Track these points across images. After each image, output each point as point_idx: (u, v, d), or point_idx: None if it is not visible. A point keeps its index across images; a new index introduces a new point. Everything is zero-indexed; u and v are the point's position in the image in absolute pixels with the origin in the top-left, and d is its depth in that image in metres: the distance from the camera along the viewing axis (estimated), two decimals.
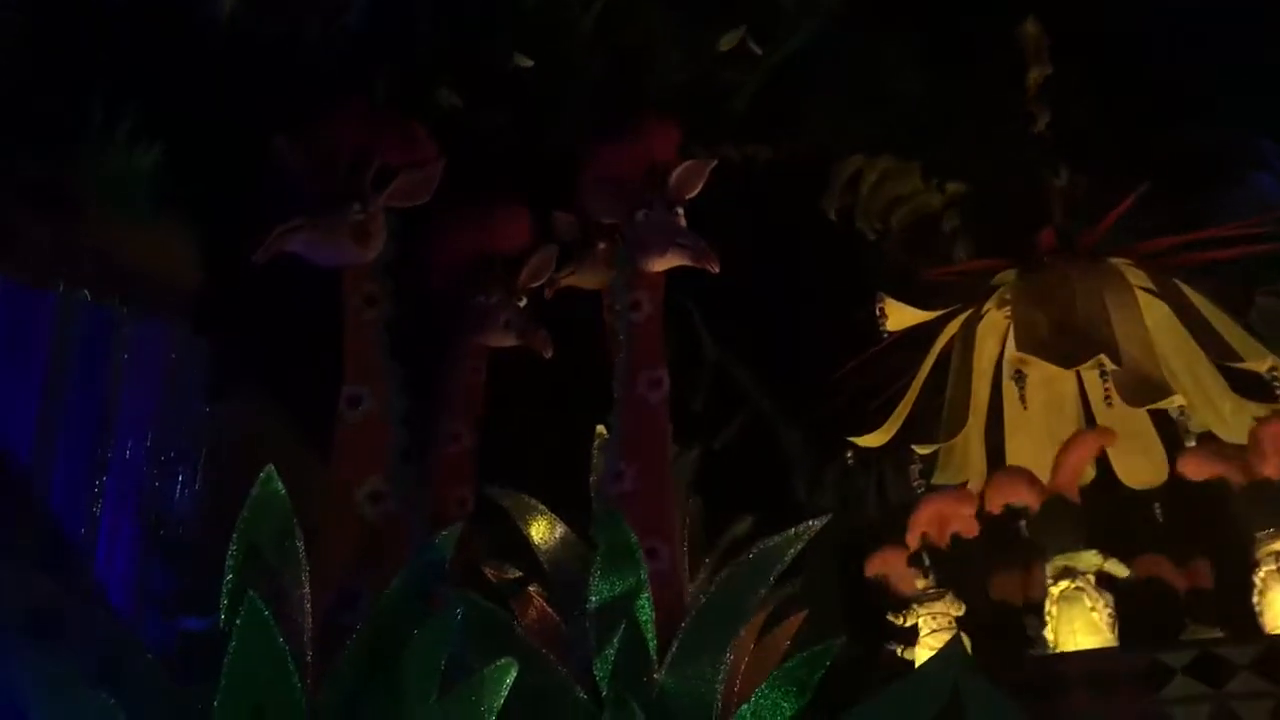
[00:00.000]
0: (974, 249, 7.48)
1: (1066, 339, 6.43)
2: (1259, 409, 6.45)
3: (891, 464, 9.36)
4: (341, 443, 5.21)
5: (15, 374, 6.34)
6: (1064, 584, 5.25)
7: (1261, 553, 5.35)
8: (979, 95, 7.24)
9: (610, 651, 5.12)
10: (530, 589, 5.97)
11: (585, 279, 7.13)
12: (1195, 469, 5.75)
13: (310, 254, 5.39)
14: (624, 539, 5.15)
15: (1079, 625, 5.01)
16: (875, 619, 6.79)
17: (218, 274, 7.42)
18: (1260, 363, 6.55)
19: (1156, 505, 7.04)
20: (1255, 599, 5.19)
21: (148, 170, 7.59)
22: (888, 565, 6.33)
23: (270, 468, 4.32)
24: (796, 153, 7.17)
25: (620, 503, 5.53)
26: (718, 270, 5.74)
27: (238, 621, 4.07)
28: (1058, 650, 4.98)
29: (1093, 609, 5.17)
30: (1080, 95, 7.14)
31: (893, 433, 7.43)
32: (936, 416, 7.50)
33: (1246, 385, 6.81)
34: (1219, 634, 4.99)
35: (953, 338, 7.38)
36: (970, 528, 6.01)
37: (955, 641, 4.52)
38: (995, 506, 5.80)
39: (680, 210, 5.82)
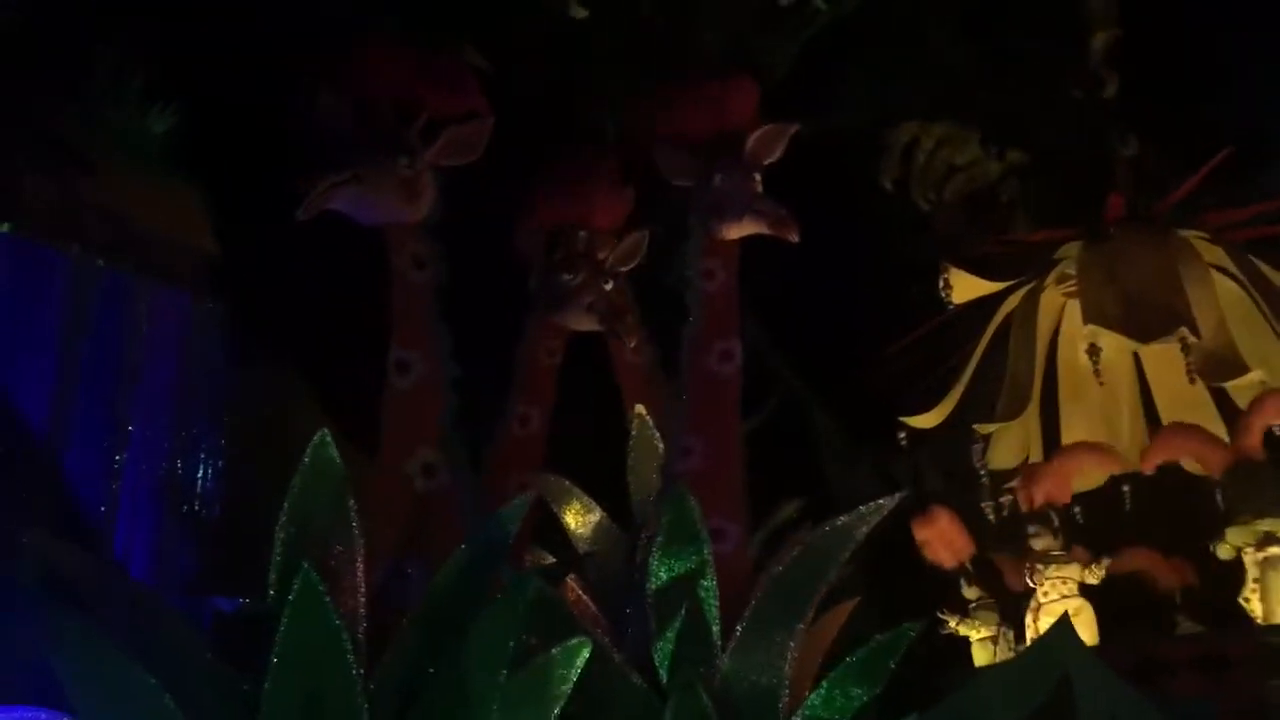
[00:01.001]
0: (1033, 220, 7.25)
1: (1141, 312, 6.23)
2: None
3: (928, 448, 9.20)
4: (390, 412, 4.99)
5: (29, 339, 6.07)
6: (1272, 549, 5.03)
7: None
8: (1041, 59, 7.00)
9: (670, 636, 4.92)
10: (568, 577, 5.77)
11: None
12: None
13: (355, 211, 5.17)
14: (688, 517, 4.95)
15: None
16: (924, 603, 6.61)
17: (238, 240, 7.21)
18: None
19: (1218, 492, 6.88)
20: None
21: (161, 131, 7.34)
22: (937, 533, 6.13)
23: (325, 432, 4.07)
24: (844, 119, 6.90)
25: (687, 480, 5.34)
26: (797, 240, 5.52)
27: (289, 598, 3.83)
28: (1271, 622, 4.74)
29: None
30: (1150, 60, 6.89)
31: (947, 413, 7.21)
32: (987, 396, 7.29)
33: None
34: None
35: (1011, 313, 7.15)
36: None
37: (1064, 623, 4.31)
38: (1152, 464, 5.52)
39: (758, 176, 5.60)
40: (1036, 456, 7.19)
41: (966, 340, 7.46)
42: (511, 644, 3.87)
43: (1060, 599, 5.01)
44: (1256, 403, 5.75)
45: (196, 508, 6.52)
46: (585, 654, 4.03)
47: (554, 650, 3.98)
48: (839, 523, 5.12)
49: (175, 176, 7.05)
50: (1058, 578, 5.12)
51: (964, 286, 6.64)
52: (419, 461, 4.87)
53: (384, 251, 5.41)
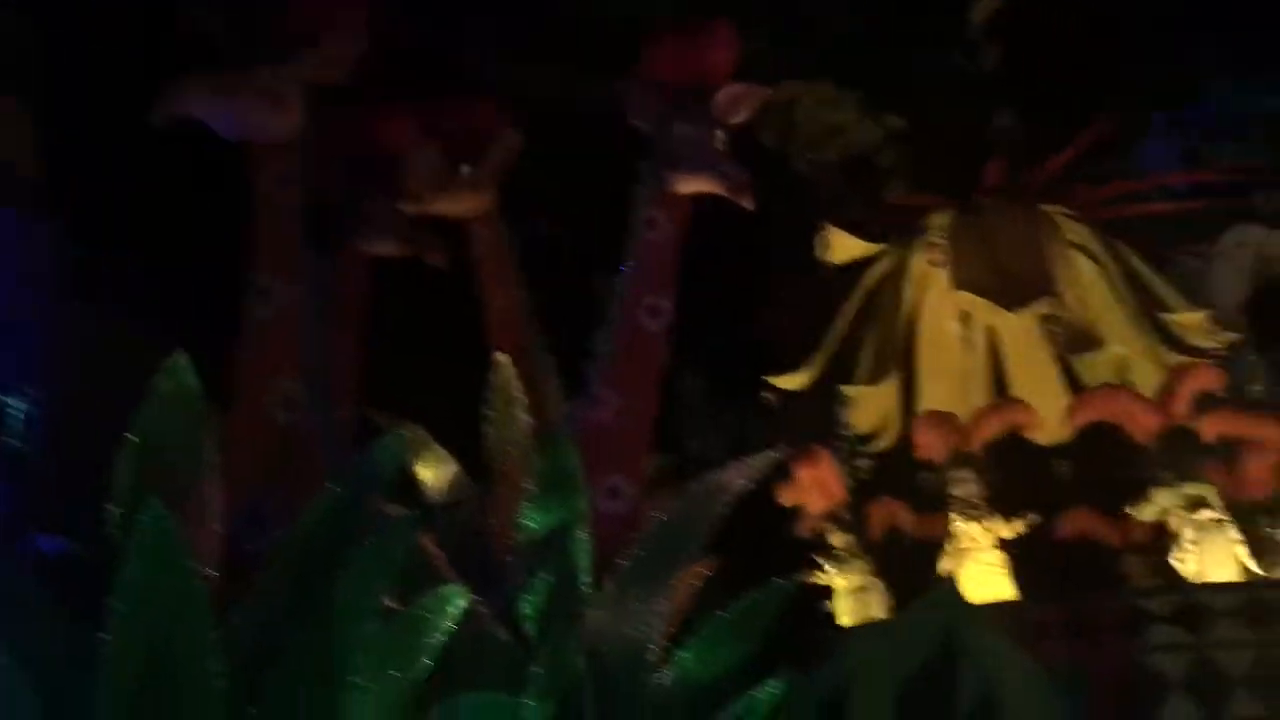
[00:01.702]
0: (909, 187, 7.29)
1: (1010, 282, 6.33)
2: (1194, 361, 6.48)
3: (784, 410, 9.23)
4: (249, 341, 4.64)
5: None
6: (1205, 513, 5.12)
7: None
8: (926, 27, 7.01)
9: (539, 589, 4.74)
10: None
11: (449, 206, 6.65)
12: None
13: (217, 121, 4.78)
14: (567, 467, 4.75)
15: (1223, 556, 4.91)
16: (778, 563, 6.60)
17: (71, 161, 6.65)
18: (1194, 315, 6.57)
19: (1059, 461, 7.08)
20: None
21: None
22: (817, 476, 6.11)
23: (181, 354, 3.71)
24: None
25: (594, 432, 5.18)
26: (752, 208, 5.38)
27: (135, 536, 3.48)
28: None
29: (1235, 541, 5.07)
30: (1031, 34, 6.99)
31: (815, 375, 7.22)
32: (852, 360, 7.34)
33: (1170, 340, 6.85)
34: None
35: (880, 277, 7.19)
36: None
37: (949, 582, 4.32)
38: (1079, 423, 5.58)
39: (721, 134, 5.43)
40: (895, 421, 7.26)
41: (837, 303, 7.48)
42: (384, 592, 3.61)
43: (979, 551, 5.04)
44: (1184, 371, 5.90)
45: (15, 441, 6.03)
46: (461, 604, 3.80)
47: (427, 599, 3.74)
48: (716, 476, 5.02)
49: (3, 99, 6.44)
50: (978, 529, 5.15)
51: (842, 247, 6.63)
52: (280, 395, 4.56)
53: (244, 172, 5.09)
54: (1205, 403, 5.82)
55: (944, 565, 4.93)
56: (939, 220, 6.90)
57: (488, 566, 4.98)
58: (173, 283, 6.52)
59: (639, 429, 5.32)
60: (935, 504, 6.50)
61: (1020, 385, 7.32)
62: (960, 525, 5.17)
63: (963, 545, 5.05)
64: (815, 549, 6.20)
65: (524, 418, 6.48)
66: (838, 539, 5.86)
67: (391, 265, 6.53)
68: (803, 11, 7.15)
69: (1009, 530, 5.12)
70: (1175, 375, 5.97)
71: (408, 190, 6.05)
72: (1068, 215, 7.02)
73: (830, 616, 5.99)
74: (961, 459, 5.48)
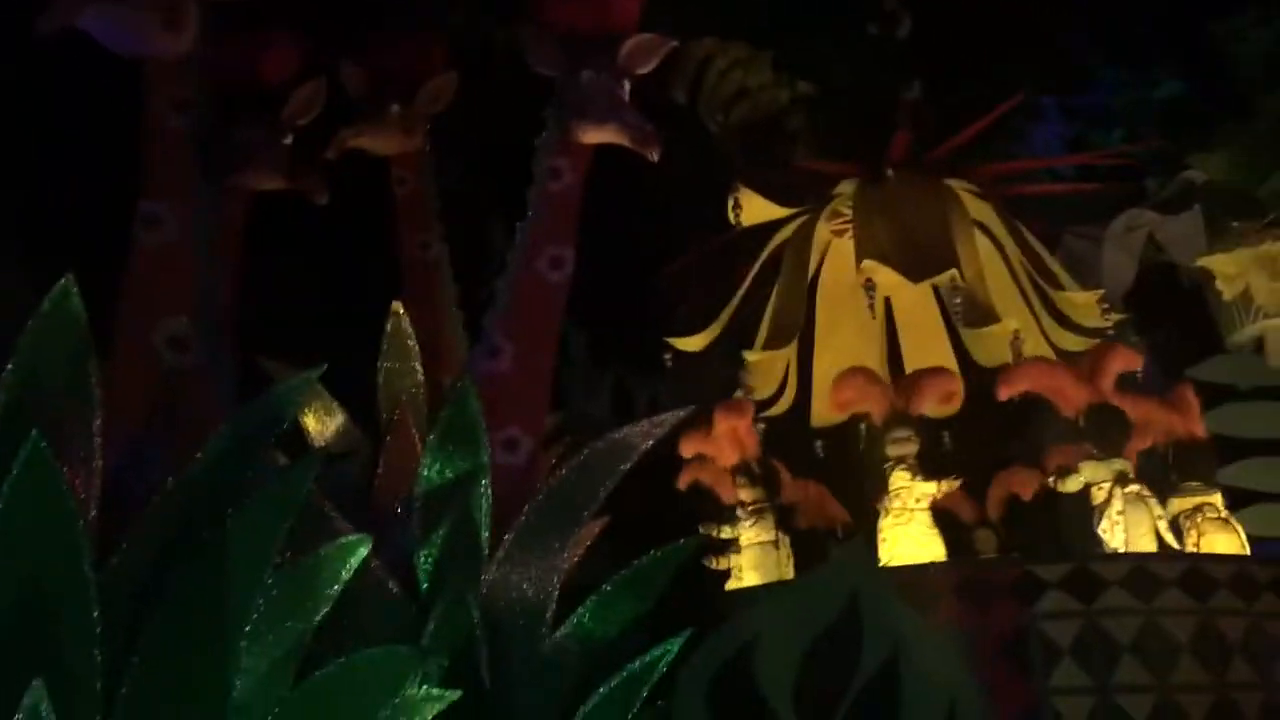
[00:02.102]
0: (815, 154, 7.28)
1: (914, 253, 6.36)
2: (1084, 341, 6.62)
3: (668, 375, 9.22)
4: (135, 273, 4.40)
5: None
6: (1133, 488, 5.20)
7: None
8: None
9: (436, 542, 4.64)
10: None
11: (374, 143, 6.54)
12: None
13: (107, 35, 4.52)
14: (469, 418, 4.65)
15: (1147, 529, 5.01)
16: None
17: None
18: (1087, 295, 6.72)
19: (945, 433, 7.23)
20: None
21: None
22: (736, 428, 6.09)
23: (70, 278, 3.48)
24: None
25: (490, 382, 5.06)
26: (657, 159, 5.31)
27: (13, 469, 3.26)
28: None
29: (1158, 515, 5.18)
30: (944, 5, 7.03)
31: (714, 336, 7.18)
32: (753, 324, 7.33)
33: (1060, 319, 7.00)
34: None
35: (784, 243, 7.17)
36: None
37: (855, 544, 4.33)
38: (1010, 393, 5.63)
39: (627, 83, 5.35)
40: (792, 387, 7.29)
41: (736, 266, 7.46)
42: (280, 538, 3.45)
43: (914, 512, 5.08)
44: (1109, 350, 6.01)
45: None
46: (362, 553, 3.68)
47: (326, 548, 3.60)
48: (620, 435, 4.98)
49: None
50: (915, 490, 5.19)
51: (753, 209, 6.58)
52: (166, 333, 4.34)
53: (132, 90, 4.81)
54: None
55: (881, 525, 4.98)
56: (845, 188, 6.90)
57: (376, 519, 4.83)
58: (51, 208, 6.17)
59: (537, 381, 5.24)
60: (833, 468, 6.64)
61: (913, 356, 7.43)
62: (897, 485, 5.21)
63: (897, 505, 5.09)
64: (713, 506, 6.18)
65: (418, 368, 6.38)
66: (747, 493, 5.84)
67: (284, 203, 6.31)
68: None
69: (940, 490, 5.19)
70: (1101, 353, 6.10)
71: (285, 122, 5.84)
72: (969, 190, 7.09)
73: (722, 576, 5.99)
74: (900, 419, 5.50)
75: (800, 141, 7.20)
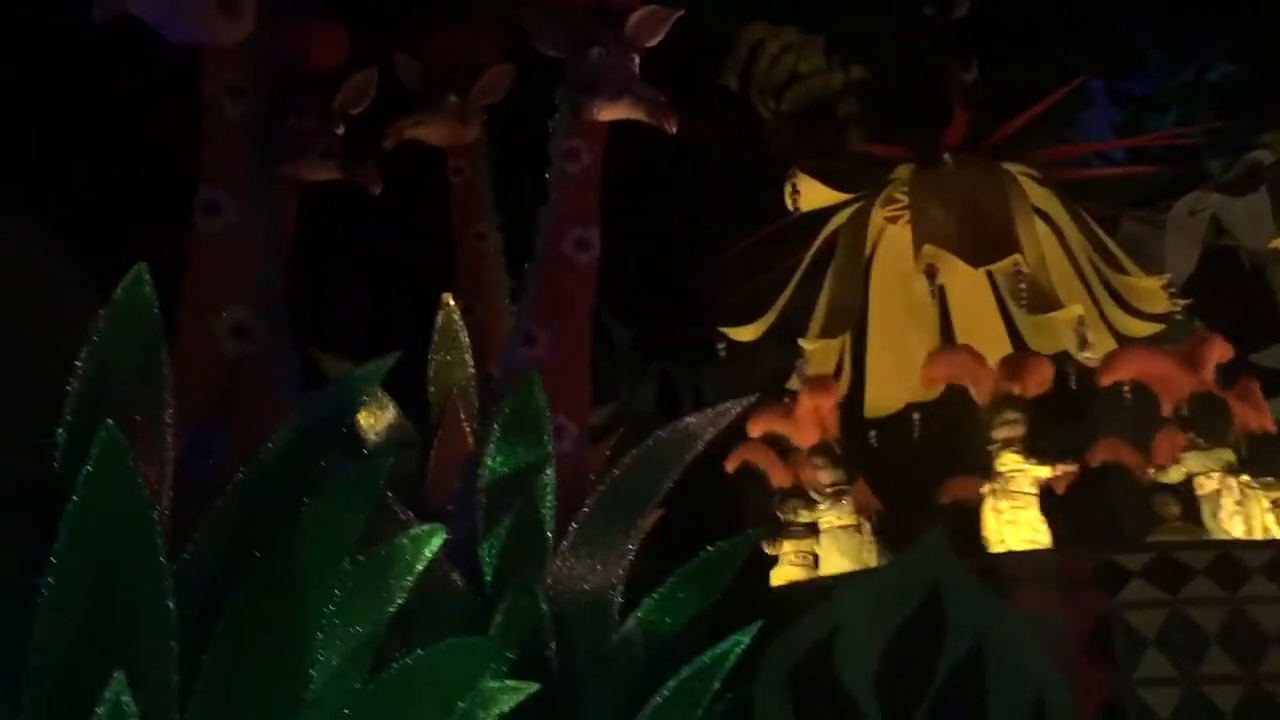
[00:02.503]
0: (868, 139, 7.19)
1: (975, 237, 6.27)
2: (1148, 327, 6.52)
3: (713, 365, 9.15)
4: (197, 261, 4.38)
5: None
6: (1244, 477, 5.13)
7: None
8: None
9: (500, 534, 4.59)
10: None
11: (431, 133, 6.52)
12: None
13: (162, 20, 4.49)
14: (533, 406, 4.60)
15: (1259, 519, 4.94)
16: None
17: None
18: (1152, 280, 6.61)
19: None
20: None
21: None
22: (818, 408, 6.01)
23: (142, 265, 3.45)
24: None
25: (528, 369, 4.99)
26: (674, 131, 5.25)
27: (89, 460, 3.23)
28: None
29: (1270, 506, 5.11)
30: None
31: (768, 326, 7.11)
32: (800, 313, 7.26)
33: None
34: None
35: (838, 229, 7.09)
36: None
37: (935, 534, 4.26)
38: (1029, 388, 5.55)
39: (637, 58, 5.26)
40: (846, 376, 7.22)
41: (784, 255, 7.39)
42: (357, 528, 3.41)
43: (1023, 495, 5.01)
44: (1207, 340, 5.92)
45: None
46: (437, 542, 3.63)
47: (401, 537, 3.56)
48: (683, 424, 4.93)
49: None
50: (1025, 472, 5.12)
51: (811, 195, 6.51)
52: (229, 321, 4.31)
53: (187, 77, 4.78)
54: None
55: (984, 512, 4.90)
56: (901, 173, 6.82)
57: (429, 511, 4.79)
58: (109, 196, 6.17)
59: (576, 366, 5.15)
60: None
61: (968, 341, 7.34)
62: (1009, 468, 5.13)
63: (1012, 489, 5.01)
64: (759, 491, 6.13)
65: (469, 361, 6.35)
66: (827, 474, 5.75)
67: (334, 192, 6.28)
68: None
69: (1055, 474, 5.09)
70: (1200, 342, 6.01)
71: (337, 111, 5.79)
72: (1026, 175, 7.00)
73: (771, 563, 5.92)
74: (1008, 401, 5.41)
75: (853, 127, 7.10)
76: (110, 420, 3.25)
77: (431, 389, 6.30)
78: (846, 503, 5.67)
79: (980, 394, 5.54)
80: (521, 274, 6.53)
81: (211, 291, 4.33)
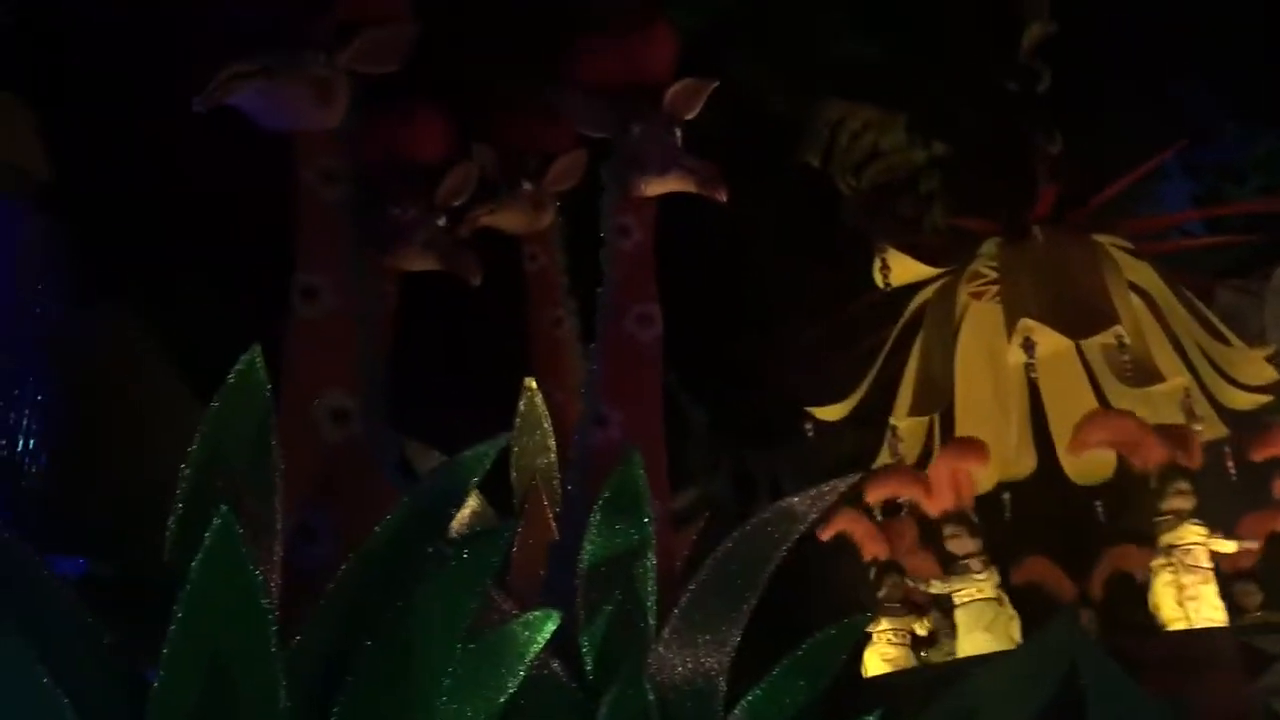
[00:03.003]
0: (952, 214, 7.17)
1: (1072, 310, 6.18)
2: (1254, 399, 6.36)
3: (790, 449, 9.03)
4: (295, 345, 4.38)
5: None
6: None
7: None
8: (970, 50, 6.92)
9: (601, 621, 4.49)
10: None
11: (506, 220, 6.55)
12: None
13: (261, 110, 4.55)
14: (634, 485, 4.52)
15: None
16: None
17: (78, 161, 6.40)
18: (1257, 350, 6.46)
19: (1098, 503, 6.98)
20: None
21: None
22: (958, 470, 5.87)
23: (256, 348, 3.45)
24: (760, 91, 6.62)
25: (604, 453, 4.94)
26: (725, 200, 5.24)
27: (203, 547, 3.20)
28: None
29: None
30: (1080, 58, 6.92)
31: (855, 405, 7.03)
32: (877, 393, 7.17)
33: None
34: None
35: (923, 305, 7.03)
36: None
37: (1069, 612, 4.11)
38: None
39: (678, 130, 5.27)
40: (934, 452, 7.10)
41: (865, 332, 7.33)
42: (473, 608, 3.34)
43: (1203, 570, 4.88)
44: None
45: (19, 454, 5.71)
46: (551, 627, 3.55)
47: (514, 623, 3.48)
48: (785, 505, 4.82)
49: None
50: (1203, 546, 4.98)
51: (902, 269, 6.47)
52: (328, 405, 4.29)
53: (277, 167, 4.85)
54: None
55: (1158, 588, 4.75)
56: (988, 248, 6.77)
57: (515, 598, 4.70)
58: (206, 286, 6.26)
59: (653, 445, 5.04)
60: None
61: (1060, 420, 7.21)
62: (1186, 541, 4.98)
63: (1187, 562, 4.87)
64: (889, 566, 5.97)
65: (552, 446, 6.31)
66: (960, 544, 5.58)
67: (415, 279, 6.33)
68: (847, 33, 7.04)
69: (1238, 549, 4.92)
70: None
71: (439, 203, 5.85)
72: (1116, 246, 6.92)
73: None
74: (1179, 471, 5.28)
75: (936, 202, 7.08)
76: (226, 508, 3.22)
77: (514, 474, 6.26)
78: (987, 574, 5.46)
79: (1145, 461, 5.39)
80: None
81: (310, 377, 4.32)
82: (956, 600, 5.52)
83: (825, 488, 4.85)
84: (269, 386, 3.51)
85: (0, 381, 5.78)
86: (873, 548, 6.13)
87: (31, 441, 5.76)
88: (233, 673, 3.23)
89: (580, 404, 6.45)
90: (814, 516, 4.82)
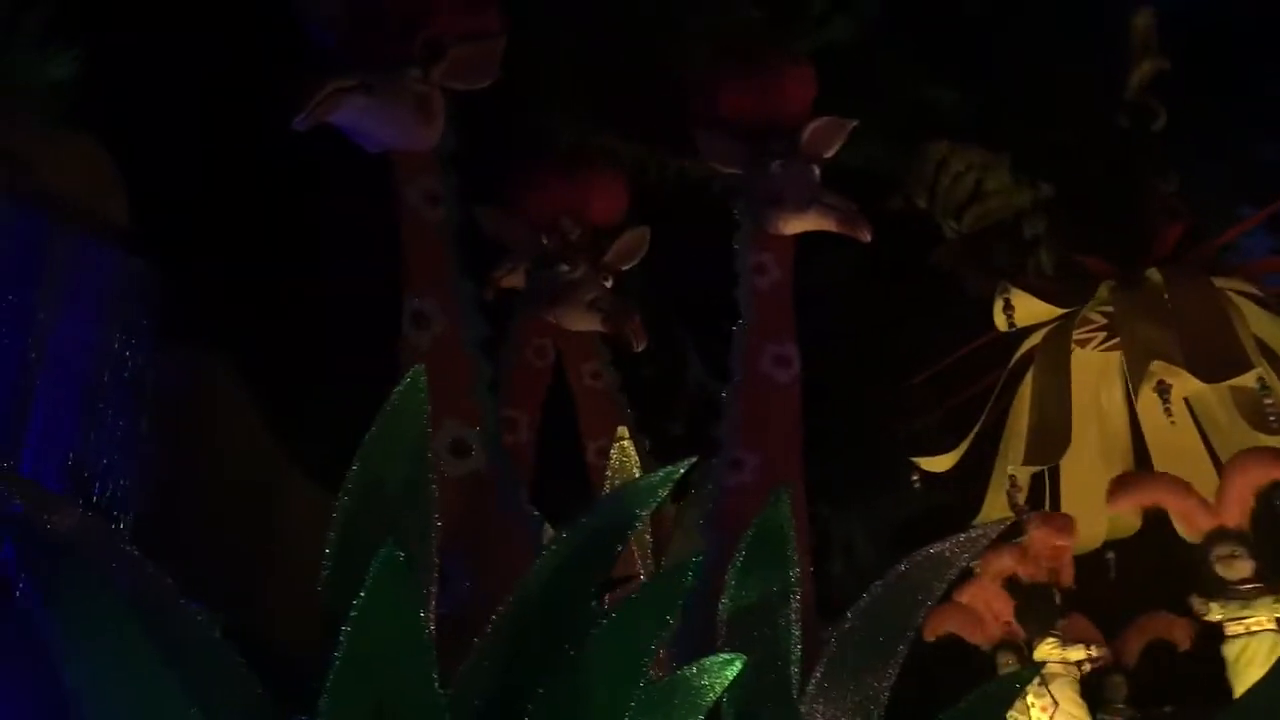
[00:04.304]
0: (1058, 257, 7.01)
1: (1204, 353, 5.97)
2: None
3: (860, 511, 8.79)
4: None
5: None
6: None
7: None
8: (1079, 90, 6.82)
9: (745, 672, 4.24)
10: None
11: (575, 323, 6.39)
12: None
13: (363, 127, 4.48)
14: (779, 531, 4.30)
15: None
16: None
17: (157, 208, 6.32)
18: None
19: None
20: None
21: (62, 79, 6.43)
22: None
23: (419, 369, 3.29)
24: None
25: (738, 496, 4.80)
26: (869, 239, 5.14)
27: (369, 583, 3.01)
28: None
29: None
30: (1192, 95, 6.80)
31: (961, 455, 6.82)
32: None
33: None
34: None
35: (1031, 350, 6.84)
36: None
37: None
38: None
39: (817, 169, 5.23)
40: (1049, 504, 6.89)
41: (962, 381, 7.15)
42: (651, 651, 3.13)
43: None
44: None
45: (107, 499, 5.53)
46: (732, 671, 3.35)
47: (701, 662, 3.25)
48: (934, 550, 4.60)
49: (80, 134, 6.15)
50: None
51: (1026, 310, 6.31)
52: (446, 437, 4.14)
53: (365, 202, 4.77)
54: None
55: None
56: (1101, 291, 6.59)
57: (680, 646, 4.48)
58: (303, 320, 6.14)
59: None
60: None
61: (1169, 469, 6.97)
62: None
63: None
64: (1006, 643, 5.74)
65: None
66: (1236, 568, 5.33)
67: None
68: (952, 75, 6.97)
69: None
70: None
71: (610, 265, 5.89)
72: (1237, 290, 6.72)
73: None
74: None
75: (1043, 245, 6.93)
76: (391, 543, 3.03)
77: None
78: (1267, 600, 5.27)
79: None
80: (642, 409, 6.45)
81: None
82: (1251, 625, 5.32)
83: (975, 532, 4.65)
84: (427, 410, 3.32)
85: (92, 426, 5.62)
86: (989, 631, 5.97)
87: (122, 483, 5.59)
88: (398, 713, 3.02)
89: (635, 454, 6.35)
90: (962, 563, 4.61)
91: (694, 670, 3.33)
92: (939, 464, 6.82)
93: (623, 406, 6.38)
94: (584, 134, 7.42)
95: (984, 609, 6.05)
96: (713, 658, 3.41)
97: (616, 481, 6.06)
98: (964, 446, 6.79)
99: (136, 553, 3.34)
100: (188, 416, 5.91)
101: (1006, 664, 5.83)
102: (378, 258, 5.06)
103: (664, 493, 3.61)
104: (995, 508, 6.81)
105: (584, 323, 5.76)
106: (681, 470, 3.66)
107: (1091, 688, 6.01)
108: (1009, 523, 5.12)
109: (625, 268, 5.99)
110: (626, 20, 7.79)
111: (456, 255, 4.65)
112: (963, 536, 4.65)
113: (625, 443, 6.16)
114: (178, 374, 6.03)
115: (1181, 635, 6.27)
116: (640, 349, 5.83)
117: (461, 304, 4.54)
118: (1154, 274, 6.50)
